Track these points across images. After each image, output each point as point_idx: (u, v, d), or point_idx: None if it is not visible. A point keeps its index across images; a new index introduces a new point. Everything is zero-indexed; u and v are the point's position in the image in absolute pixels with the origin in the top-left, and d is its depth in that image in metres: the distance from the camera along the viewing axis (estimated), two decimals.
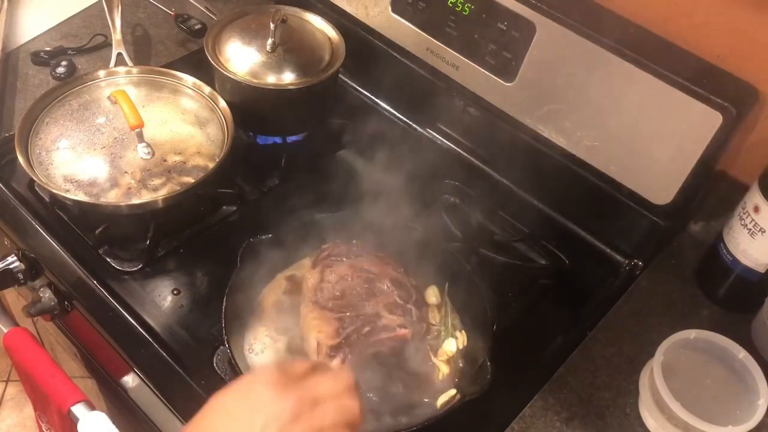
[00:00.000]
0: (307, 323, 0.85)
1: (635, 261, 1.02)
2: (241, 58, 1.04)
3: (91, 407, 0.88)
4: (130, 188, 0.93)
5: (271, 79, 1.03)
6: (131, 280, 0.95)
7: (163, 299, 0.93)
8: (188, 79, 1.06)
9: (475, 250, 1.02)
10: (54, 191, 0.92)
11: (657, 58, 0.90)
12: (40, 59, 1.19)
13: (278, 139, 1.13)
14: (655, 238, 1.00)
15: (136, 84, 1.05)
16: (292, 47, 1.05)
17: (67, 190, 0.92)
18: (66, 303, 0.97)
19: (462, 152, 1.16)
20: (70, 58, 1.20)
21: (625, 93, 0.93)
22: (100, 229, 0.97)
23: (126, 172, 0.94)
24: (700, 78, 0.88)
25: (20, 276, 0.98)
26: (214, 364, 0.85)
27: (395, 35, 1.14)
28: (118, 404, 1.02)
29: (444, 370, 0.85)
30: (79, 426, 0.85)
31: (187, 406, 0.81)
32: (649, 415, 0.82)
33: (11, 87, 1.15)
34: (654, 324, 0.92)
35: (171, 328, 0.90)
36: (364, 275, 0.88)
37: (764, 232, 0.87)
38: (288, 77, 1.04)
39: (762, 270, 0.90)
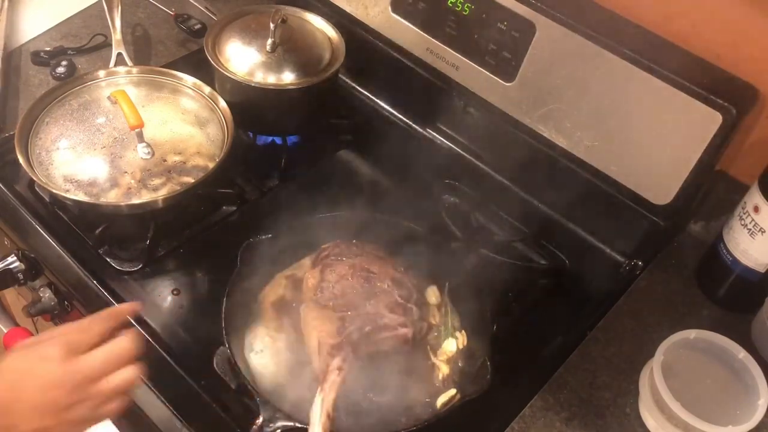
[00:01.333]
0: (308, 323, 0.85)
1: (635, 261, 1.02)
2: (241, 58, 1.04)
3: None
4: (130, 188, 0.93)
5: (271, 79, 1.03)
6: (131, 280, 0.95)
7: (163, 299, 0.93)
8: (188, 79, 1.06)
9: (475, 250, 1.02)
10: (54, 191, 0.92)
11: (657, 58, 0.90)
12: (40, 59, 1.19)
13: (278, 139, 1.13)
14: (655, 238, 1.00)
15: (136, 84, 1.05)
16: (292, 47, 1.05)
17: (67, 190, 0.92)
18: (66, 303, 0.97)
19: (462, 152, 1.16)
20: (70, 58, 1.20)
21: (625, 93, 0.93)
22: (100, 229, 0.97)
23: (126, 172, 0.94)
24: (700, 78, 0.88)
25: (20, 276, 0.97)
26: (214, 364, 0.84)
27: (395, 35, 1.14)
28: None
29: (444, 370, 0.85)
30: None
31: (187, 406, 0.81)
32: (649, 415, 0.82)
33: (11, 87, 1.15)
34: (654, 324, 0.92)
35: (171, 328, 0.90)
36: (364, 274, 0.88)
37: (764, 232, 0.87)
38: (288, 77, 1.04)
39: (762, 270, 0.90)
